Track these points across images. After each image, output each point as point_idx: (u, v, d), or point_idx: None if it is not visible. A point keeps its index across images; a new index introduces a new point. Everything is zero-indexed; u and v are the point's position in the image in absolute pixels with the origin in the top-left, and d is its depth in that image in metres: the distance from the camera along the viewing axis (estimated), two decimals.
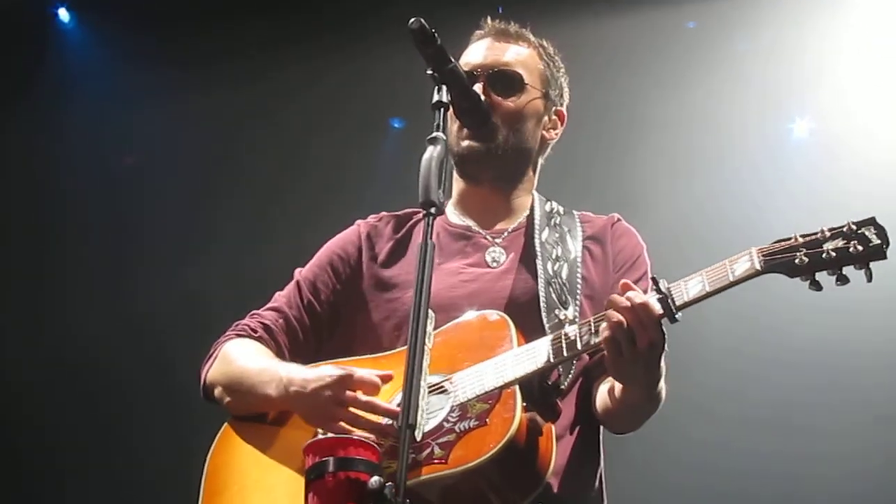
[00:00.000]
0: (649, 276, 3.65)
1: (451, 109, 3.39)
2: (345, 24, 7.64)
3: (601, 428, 3.62)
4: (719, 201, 7.26)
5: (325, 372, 3.36)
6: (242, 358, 3.63)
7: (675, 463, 7.00)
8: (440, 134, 3.15)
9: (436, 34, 3.26)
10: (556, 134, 3.90)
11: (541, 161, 3.92)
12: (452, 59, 3.32)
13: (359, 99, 7.66)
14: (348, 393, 3.30)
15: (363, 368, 3.38)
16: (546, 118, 3.85)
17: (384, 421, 3.26)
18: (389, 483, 2.68)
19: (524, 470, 3.18)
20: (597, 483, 3.58)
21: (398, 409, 3.15)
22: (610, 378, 3.41)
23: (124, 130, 7.84)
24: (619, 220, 3.83)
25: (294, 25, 7.66)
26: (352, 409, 3.29)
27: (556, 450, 3.29)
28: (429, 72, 3.28)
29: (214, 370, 3.69)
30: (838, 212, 6.54)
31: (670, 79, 7.35)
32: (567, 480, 3.40)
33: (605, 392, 3.46)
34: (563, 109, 3.93)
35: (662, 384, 3.36)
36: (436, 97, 3.25)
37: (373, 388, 3.33)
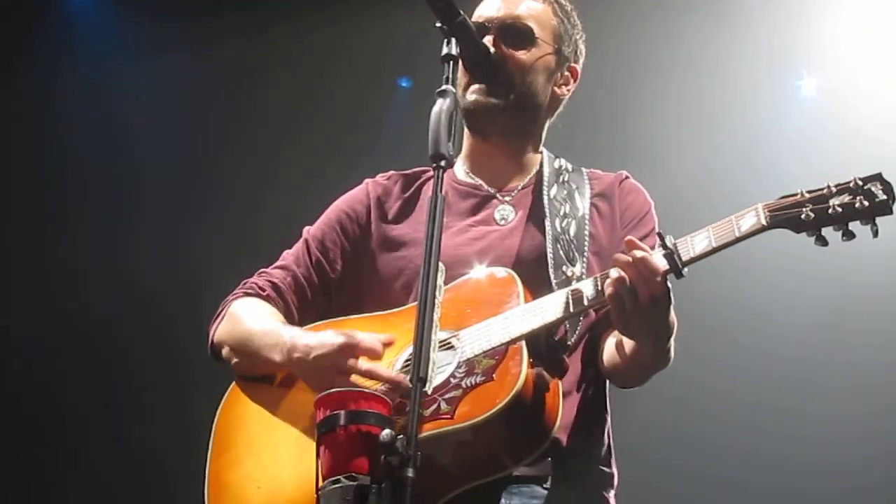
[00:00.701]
0: (656, 232, 3.63)
1: (460, 63, 3.35)
2: None
3: (607, 383, 3.62)
4: (727, 158, 7.28)
5: (326, 339, 3.36)
6: (249, 319, 3.63)
7: (682, 415, 7.05)
8: (450, 87, 3.12)
9: None
10: (568, 91, 3.86)
11: (551, 118, 3.88)
12: (461, 12, 3.28)
13: (366, 57, 7.64)
14: (350, 361, 3.30)
15: (366, 333, 3.37)
16: (558, 74, 3.80)
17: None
18: (401, 436, 2.68)
19: (530, 425, 3.17)
20: (605, 437, 3.58)
21: (399, 377, 3.23)
22: (617, 332, 3.41)
23: (126, 87, 7.81)
24: (627, 177, 3.80)
25: None
26: (353, 378, 3.29)
27: (564, 405, 3.29)
28: (437, 24, 3.25)
29: (222, 329, 3.68)
30: (845, 168, 6.56)
31: (679, 36, 7.34)
32: (575, 435, 3.40)
33: (613, 346, 3.45)
34: (577, 66, 3.88)
35: (672, 342, 3.35)
36: (445, 50, 3.21)
37: (374, 355, 3.33)
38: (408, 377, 3.11)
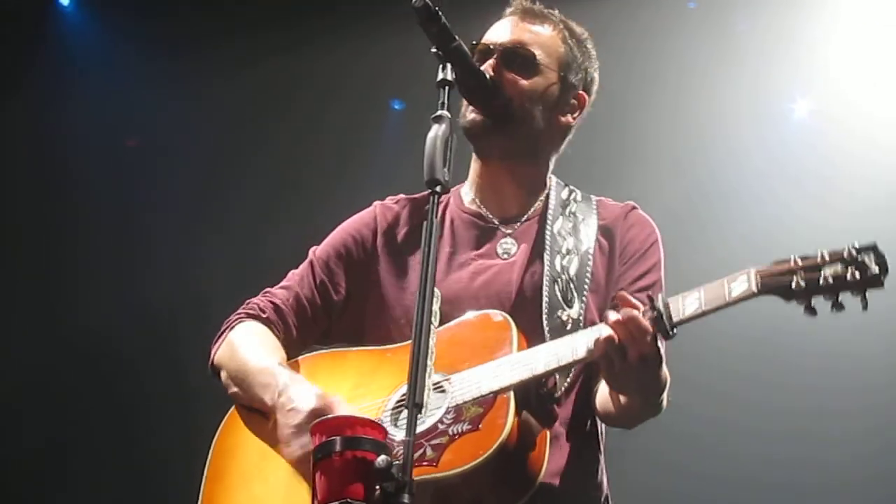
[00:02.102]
0: (660, 266, 3.63)
1: (456, 88, 3.34)
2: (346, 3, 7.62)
3: (600, 426, 3.62)
4: (720, 181, 7.29)
5: (306, 400, 3.35)
6: (246, 350, 3.63)
7: (679, 447, 7.03)
8: (445, 112, 3.10)
9: (440, 12, 3.22)
10: (574, 119, 3.81)
11: (561, 146, 3.85)
12: (457, 38, 3.27)
13: (360, 80, 7.65)
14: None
15: (344, 405, 3.36)
16: (562, 102, 3.77)
17: None
18: (397, 462, 2.68)
19: (515, 475, 3.18)
20: (598, 478, 3.57)
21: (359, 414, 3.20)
22: None
23: (128, 112, 7.83)
24: (633, 208, 3.76)
25: (296, 5, 7.64)
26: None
27: (555, 448, 3.33)
28: (433, 50, 3.24)
29: (221, 354, 3.70)
30: (839, 190, 6.61)
31: (671, 59, 7.36)
32: (566, 479, 3.41)
33: (606, 393, 3.44)
34: (586, 94, 3.84)
35: (664, 396, 3.36)
36: (440, 75, 3.19)
37: None
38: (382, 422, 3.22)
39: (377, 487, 2.66)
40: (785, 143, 7.42)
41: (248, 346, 3.65)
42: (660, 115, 7.39)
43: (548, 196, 3.77)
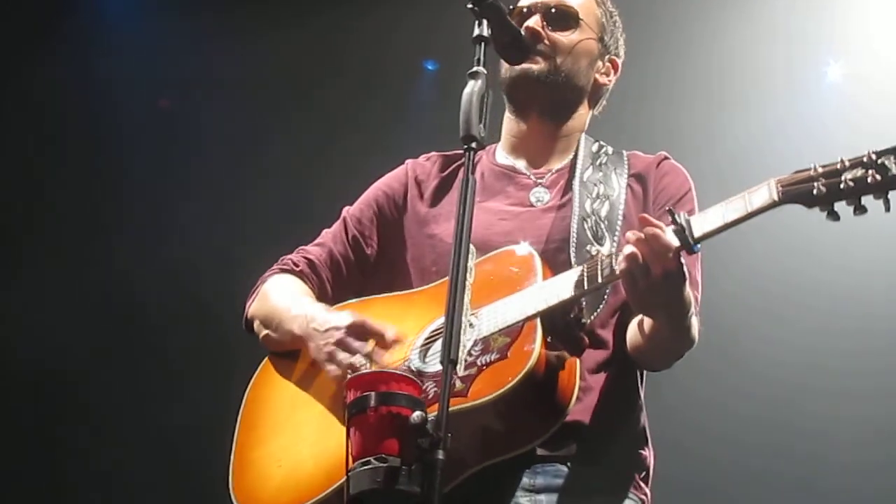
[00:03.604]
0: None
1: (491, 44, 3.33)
2: None
3: (640, 373, 3.60)
4: (753, 145, 7.23)
5: (339, 318, 3.42)
6: (277, 295, 3.69)
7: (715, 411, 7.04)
8: (481, 68, 3.10)
9: None
10: (609, 81, 3.87)
11: (593, 108, 3.89)
12: None
13: (396, 41, 7.64)
14: (356, 342, 3.36)
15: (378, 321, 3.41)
16: (599, 62, 3.82)
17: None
18: (432, 417, 2.68)
19: (544, 403, 3.18)
20: (635, 420, 3.55)
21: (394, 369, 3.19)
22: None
23: (163, 70, 7.83)
24: (665, 157, 3.78)
25: None
26: (355, 359, 3.34)
27: (591, 385, 3.34)
28: (469, 5, 3.22)
29: (255, 306, 3.75)
30: None
31: (704, 22, 7.31)
32: (600, 416, 3.39)
33: (635, 326, 3.44)
34: (618, 60, 3.90)
35: (693, 321, 3.33)
36: (476, 31, 3.18)
37: (379, 338, 3.39)
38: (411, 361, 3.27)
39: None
40: (817, 106, 7.37)
41: (279, 291, 3.70)
42: (691, 81, 7.36)
43: (578, 148, 3.79)
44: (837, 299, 7.16)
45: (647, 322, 3.35)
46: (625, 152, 3.81)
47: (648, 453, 3.55)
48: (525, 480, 3.30)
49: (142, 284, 7.59)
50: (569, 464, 3.33)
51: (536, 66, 3.67)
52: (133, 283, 7.59)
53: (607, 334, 3.51)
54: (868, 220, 3.02)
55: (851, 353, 7.07)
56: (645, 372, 3.62)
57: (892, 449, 6.91)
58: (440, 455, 2.64)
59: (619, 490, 3.42)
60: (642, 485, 3.49)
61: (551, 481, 3.31)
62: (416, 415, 2.70)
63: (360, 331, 3.37)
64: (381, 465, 2.69)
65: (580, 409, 3.30)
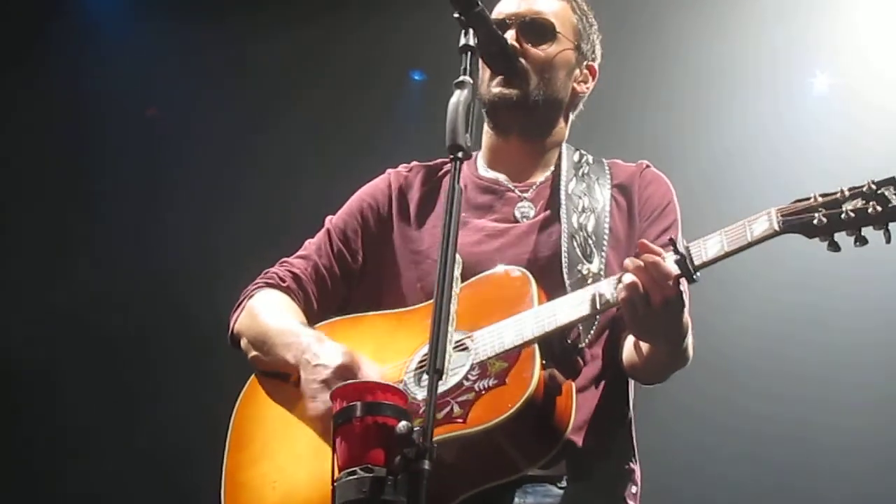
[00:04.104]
0: (678, 224, 3.62)
1: (479, 56, 3.33)
2: None
3: (630, 384, 3.61)
4: (739, 155, 7.27)
5: (332, 356, 3.36)
6: (267, 314, 3.64)
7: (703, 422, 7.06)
8: (467, 78, 3.09)
9: None
10: (587, 88, 3.85)
11: (572, 115, 3.87)
12: (479, 2, 3.25)
13: (382, 52, 7.64)
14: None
15: (370, 365, 3.37)
16: (577, 71, 3.80)
17: None
18: (417, 428, 2.67)
19: (543, 428, 3.18)
20: (624, 434, 3.56)
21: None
22: None
23: (149, 81, 7.83)
24: (647, 166, 3.78)
25: None
26: None
27: (581, 402, 3.30)
28: (455, 15, 3.21)
29: (241, 322, 3.71)
30: (859, 165, 6.61)
31: (692, 32, 7.32)
32: (591, 434, 3.39)
33: (631, 346, 3.44)
34: (595, 65, 3.88)
35: (689, 341, 3.34)
36: (462, 41, 3.17)
37: None
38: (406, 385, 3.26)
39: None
40: (804, 117, 7.39)
41: (268, 310, 3.66)
42: (678, 90, 7.37)
43: (560, 159, 3.78)
44: (824, 311, 7.17)
45: (644, 344, 3.36)
46: (605, 161, 3.80)
47: (635, 466, 3.55)
48: (516, 500, 3.30)
49: (121, 294, 7.57)
50: (559, 484, 3.33)
51: (515, 90, 3.65)
52: (111, 294, 7.56)
53: (597, 350, 3.50)
54: None
55: (840, 365, 7.09)
56: (635, 384, 3.62)
57: (880, 457, 6.92)
58: (426, 465, 2.63)
59: None
60: (629, 500, 3.49)
61: (542, 500, 3.32)
62: (402, 425, 2.68)
63: (347, 375, 3.29)
64: (367, 475, 2.68)
65: (572, 428, 3.28)
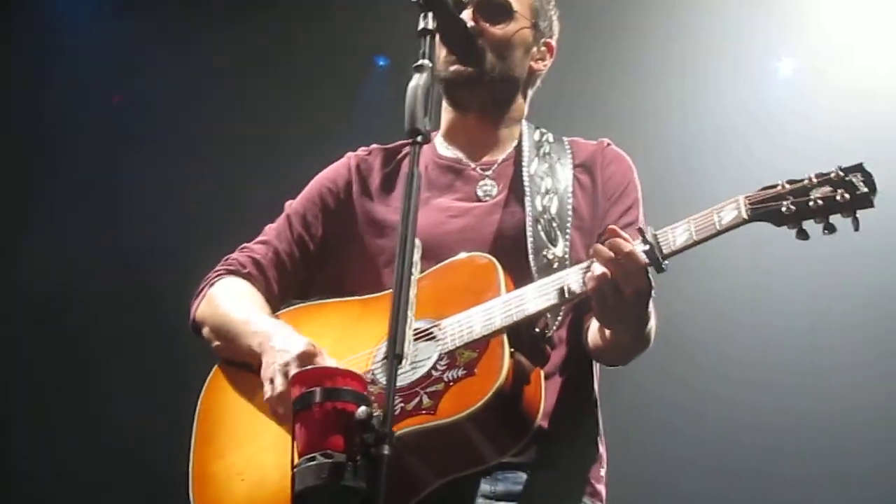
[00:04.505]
0: (640, 203, 3.63)
1: (437, 37, 3.33)
2: None
3: (595, 365, 3.61)
4: (707, 139, 7.26)
5: (295, 344, 3.34)
6: (228, 302, 3.63)
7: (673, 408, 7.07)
8: (426, 62, 3.07)
9: None
10: (545, 66, 3.85)
11: (530, 92, 3.87)
12: None
13: (345, 36, 7.62)
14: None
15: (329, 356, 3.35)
16: (535, 49, 3.79)
17: None
18: (377, 413, 2.67)
19: (513, 418, 3.17)
20: (590, 418, 3.57)
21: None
22: None
23: (114, 69, 7.81)
24: (608, 144, 3.78)
25: None
26: None
27: (548, 387, 3.29)
28: None
29: (202, 310, 3.69)
30: (824, 148, 6.63)
31: (655, 18, 7.31)
32: (556, 419, 3.39)
33: (596, 329, 3.43)
34: (553, 42, 3.87)
35: (652, 324, 3.34)
36: (421, 24, 3.15)
37: None
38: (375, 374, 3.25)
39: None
40: (769, 101, 7.40)
41: (230, 299, 3.64)
42: (642, 74, 7.37)
43: (521, 138, 3.77)
44: (793, 296, 7.20)
45: (608, 330, 3.35)
46: (565, 139, 3.80)
47: (601, 449, 3.56)
48: (485, 487, 3.30)
49: (86, 277, 7.53)
50: (528, 470, 3.33)
51: (471, 67, 3.64)
52: (76, 275, 7.51)
53: (562, 332, 3.50)
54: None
55: (806, 349, 7.12)
56: (599, 366, 3.62)
57: (853, 441, 6.95)
58: (386, 450, 2.62)
59: (577, 494, 3.44)
60: (597, 486, 3.50)
61: (511, 488, 3.32)
62: (362, 410, 2.68)
63: (308, 362, 3.27)
64: (327, 460, 2.67)
65: (541, 415, 3.27)
